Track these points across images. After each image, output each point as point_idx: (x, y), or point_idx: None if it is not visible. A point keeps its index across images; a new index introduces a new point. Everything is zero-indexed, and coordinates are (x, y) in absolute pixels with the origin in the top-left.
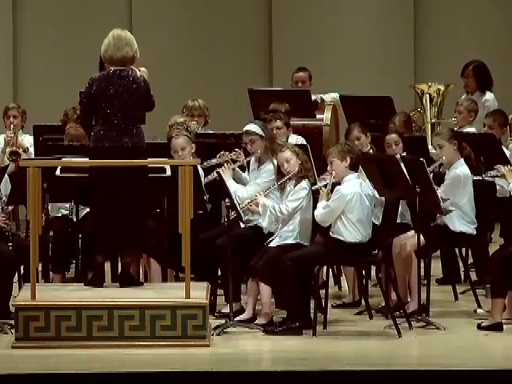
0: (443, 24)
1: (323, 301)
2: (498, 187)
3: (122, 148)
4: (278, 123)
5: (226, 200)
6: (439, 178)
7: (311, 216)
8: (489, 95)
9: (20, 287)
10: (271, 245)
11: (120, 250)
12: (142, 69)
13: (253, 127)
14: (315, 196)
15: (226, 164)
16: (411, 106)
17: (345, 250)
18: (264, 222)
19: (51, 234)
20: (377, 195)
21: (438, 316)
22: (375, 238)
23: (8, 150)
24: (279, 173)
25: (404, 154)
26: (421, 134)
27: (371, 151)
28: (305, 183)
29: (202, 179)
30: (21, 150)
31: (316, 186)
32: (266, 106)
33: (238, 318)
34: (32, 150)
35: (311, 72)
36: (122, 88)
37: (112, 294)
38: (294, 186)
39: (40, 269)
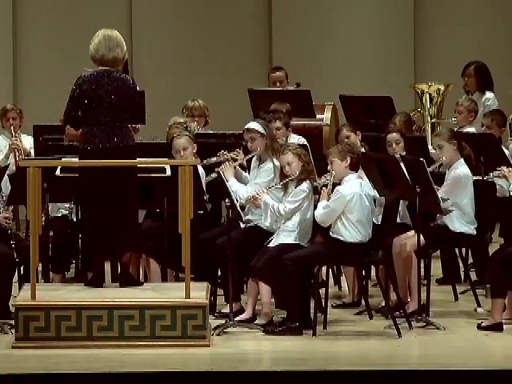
0: (443, 24)
1: (323, 301)
2: (497, 187)
3: (112, 148)
4: (278, 124)
5: (226, 200)
6: (439, 178)
7: (311, 217)
8: (489, 94)
9: (20, 287)
10: (271, 245)
11: (115, 251)
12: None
13: (254, 125)
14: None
15: (226, 162)
16: (411, 106)
17: (345, 250)
18: (266, 221)
19: (51, 234)
20: (377, 195)
21: (438, 316)
22: (375, 238)
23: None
24: (282, 173)
25: (404, 153)
26: (421, 134)
27: (362, 149)
28: (305, 186)
29: (203, 179)
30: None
31: (316, 184)
32: (266, 106)
33: (238, 318)
34: (32, 150)
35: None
36: (112, 89)
37: (112, 294)
38: (295, 188)
39: (40, 269)
